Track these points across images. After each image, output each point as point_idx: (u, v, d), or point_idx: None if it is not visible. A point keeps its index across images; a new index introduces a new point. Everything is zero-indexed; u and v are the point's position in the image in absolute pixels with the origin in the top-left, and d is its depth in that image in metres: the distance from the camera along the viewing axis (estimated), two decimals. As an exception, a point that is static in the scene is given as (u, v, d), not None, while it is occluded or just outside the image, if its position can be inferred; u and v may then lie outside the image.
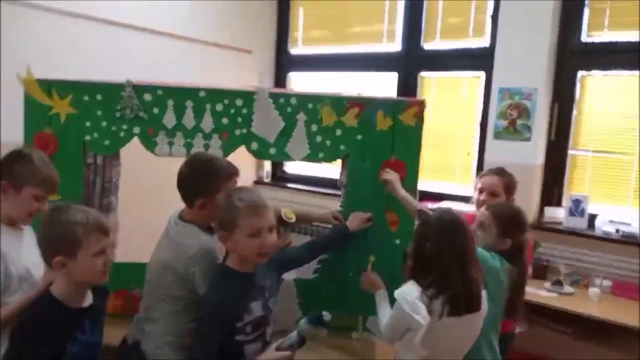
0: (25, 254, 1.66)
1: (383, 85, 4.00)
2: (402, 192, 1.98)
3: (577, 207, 3.19)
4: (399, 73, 3.91)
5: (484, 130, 3.49)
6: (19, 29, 2.73)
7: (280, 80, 4.45)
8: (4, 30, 2.61)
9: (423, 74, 3.84)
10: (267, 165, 4.46)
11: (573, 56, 3.24)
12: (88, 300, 1.47)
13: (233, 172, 1.79)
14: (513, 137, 3.33)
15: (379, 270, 2.04)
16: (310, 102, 2.05)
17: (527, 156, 3.31)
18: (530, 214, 3.34)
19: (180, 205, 1.81)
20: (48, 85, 2.16)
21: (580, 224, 3.17)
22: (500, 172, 2.27)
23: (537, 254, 3.22)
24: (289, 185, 4.35)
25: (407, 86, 3.87)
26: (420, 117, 2.03)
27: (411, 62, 3.86)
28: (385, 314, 1.78)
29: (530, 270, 3.13)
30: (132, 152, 2.21)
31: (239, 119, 2.08)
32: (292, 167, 4.47)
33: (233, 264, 1.58)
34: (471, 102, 3.68)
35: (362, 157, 2.05)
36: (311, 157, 2.09)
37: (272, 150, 2.09)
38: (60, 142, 2.17)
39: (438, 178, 3.83)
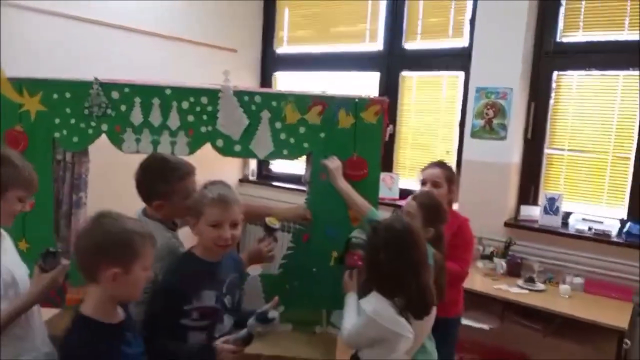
0: (7, 259, 1.58)
1: (366, 84, 4.03)
2: (342, 184, 2.02)
3: (551, 206, 3.22)
4: (381, 72, 3.95)
5: (462, 129, 3.52)
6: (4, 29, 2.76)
7: (265, 79, 4.50)
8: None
9: (404, 73, 3.87)
10: (253, 163, 4.49)
11: (549, 56, 3.27)
12: (120, 313, 1.39)
13: (187, 172, 1.82)
14: (489, 136, 3.37)
15: (341, 267, 2.07)
16: (274, 100, 2.08)
17: (503, 155, 3.35)
18: (507, 212, 3.37)
19: (119, 193, 1.91)
20: (19, 83, 2.18)
21: (555, 222, 3.20)
22: (441, 164, 2.46)
23: (512, 251, 3.25)
24: (275, 183, 4.39)
25: (389, 85, 3.90)
26: (381, 115, 2.05)
27: (393, 61, 3.89)
28: (351, 318, 1.80)
29: (504, 267, 3.18)
30: (101, 148, 2.24)
31: (205, 117, 2.11)
32: (278, 166, 4.51)
33: (197, 251, 1.67)
34: (451, 102, 3.71)
35: (325, 155, 2.08)
36: (275, 155, 2.12)
37: (237, 148, 2.12)
38: (30, 139, 2.19)
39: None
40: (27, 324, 1.57)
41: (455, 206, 2.84)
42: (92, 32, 3.24)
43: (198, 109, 2.11)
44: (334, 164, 2.03)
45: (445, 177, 2.37)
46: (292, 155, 2.13)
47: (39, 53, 2.91)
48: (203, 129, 2.12)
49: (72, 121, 2.18)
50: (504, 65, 3.29)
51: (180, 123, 2.12)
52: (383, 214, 2.07)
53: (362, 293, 1.75)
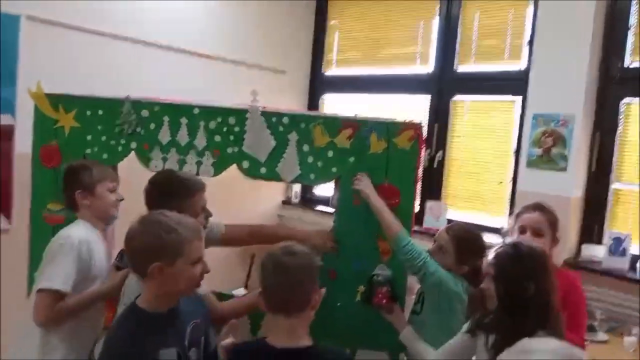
0: (105, 258, 1.89)
1: (415, 108, 3.86)
2: (378, 203, 1.84)
3: (617, 246, 2.88)
4: (431, 95, 3.76)
5: (518, 158, 3.26)
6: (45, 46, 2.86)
7: (313, 101, 4.43)
8: (25, 46, 2.73)
9: (456, 97, 3.66)
10: (297, 186, 4.40)
11: (615, 82, 2.97)
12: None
13: (197, 188, 1.78)
14: (547, 167, 3.08)
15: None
16: (303, 122, 1.97)
17: (563, 188, 3.04)
18: (566, 251, 3.05)
19: None
20: (56, 100, 2.22)
21: (621, 264, 2.85)
22: (540, 207, 1.99)
23: (571, 295, 2.92)
24: (317, 207, 4.27)
25: (440, 109, 3.71)
26: (415, 141, 1.89)
27: (444, 84, 3.70)
28: (427, 349, 1.70)
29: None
30: (131, 164, 2.22)
31: (231, 137, 2.03)
32: (321, 189, 4.39)
33: (144, 303, 1.39)
34: (505, 128, 3.46)
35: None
36: (302, 178, 2.00)
37: (263, 170, 2.02)
38: (64, 154, 2.21)
39: (468, 208, 3.61)
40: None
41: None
42: (143, 54, 3.30)
43: (225, 129, 2.04)
44: (363, 183, 1.88)
45: (549, 223, 1.94)
46: (320, 180, 2.01)
47: (81, 71, 2.96)
48: (229, 150, 2.04)
49: (103, 138, 2.18)
50: (565, 90, 3.01)
51: (206, 143, 2.07)
52: (422, 245, 1.92)
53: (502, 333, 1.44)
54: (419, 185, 3.68)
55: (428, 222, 3.59)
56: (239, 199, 3.92)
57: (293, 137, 1.98)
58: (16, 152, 2.72)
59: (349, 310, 1.96)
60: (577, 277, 2.00)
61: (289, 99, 4.19)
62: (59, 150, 2.21)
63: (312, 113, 2.04)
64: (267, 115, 1.99)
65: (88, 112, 2.19)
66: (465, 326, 1.64)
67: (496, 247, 1.54)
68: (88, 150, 2.19)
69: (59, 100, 2.21)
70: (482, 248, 1.86)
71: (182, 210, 1.66)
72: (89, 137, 2.19)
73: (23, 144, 2.41)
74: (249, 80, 3.86)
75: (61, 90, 2.24)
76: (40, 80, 2.25)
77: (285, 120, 1.98)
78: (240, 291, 2.21)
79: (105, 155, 2.18)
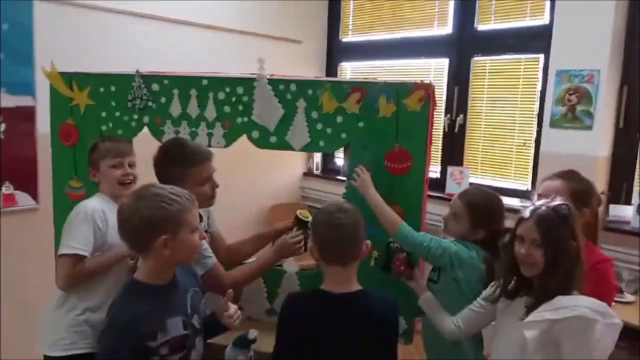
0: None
1: (435, 71, 3.76)
2: (375, 199, 1.80)
3: (647, 205, 2.77)
4: (450, 58, 3.65)
5: (541, 118, 3.15)
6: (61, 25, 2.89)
7: (331, 70, 4.37)
8: (39, 27, 2.77)
9: (476, 57, 3.55)
10: (317, 156, 4.40)
11: (644, 32, 2.81)
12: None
13: (204, 157, 1.80)
14: (572, 126, 2.97)
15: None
16: (310, 88, 1.94)
17: (589, 147, 2.94)
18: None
19: None
20: (69, 78, 2.25)
21: (651, 224, 2.75)
22: (567, 175, 1.80)
23: (598, 257, 2.85)
24: (339, 177, 4.26)
25: (460, 71, 3.61)
26: (426, 102, 1.84)
27: (463, 45, 3.59)
28: (444, 316, 1.71)
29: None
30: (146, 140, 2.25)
31: (240, 107, 2.03)
32: (342, 160, 4.37)
33: (143, 277, 1.41)
34: (529, 88, 3.34)
35: (364, 146, 1.91)
36: (312, 146, 1.98)
37: (273, 139, 2.01)
38: (81, 131, 2.25)
39: (491, 172, 3.54)
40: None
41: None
42: (160, 29, 3.31)
43: (234, 99, 2.03)
44: (360, 179, 1.85)
45: (571, 192, 1.71)
46: (329, 147, 1.98)
47: (94, 48, 3.01)
48: (239, 120, 2.04)
49: (117, 114, 2.20)
50: (590, 44, 2.87)
51: (216, 114, 2.06)
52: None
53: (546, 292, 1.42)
54: (433, 148, 3.72)
55: (450, 187, 3.54)
56: (261, 172, 3.96)
57: (301, 104, 1.95)
58: (38, 133, 2.80)
59: (363, 276, 1.96)
60: (608, 262, 1.75)
61: (306, 69, 4.15)
62: (76, 127, 2.26)
63: (320, 78, 1.98)
64: (274, 83, 1.97)
65: (101, 89, 2.21)
66: (486, 292, 1.61)
67: (529, 211, 1.46)
68: (103, 127, 2.23)
69: (72, 79, 2.24)
70: (498, 211, 1.81)
71: (186, 177, 1.72)
72: (103, 114, 2.22)
73: (45, 124, 2.47)
74: (266, 52, 3.76)
75: (76, 69, 2.27)
76: (55, 60, 2.28)
77: (292, 87, 1.96)
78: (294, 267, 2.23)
79: (120, 131, 2.20)
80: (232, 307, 1.56)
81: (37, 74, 2.66)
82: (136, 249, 1.42)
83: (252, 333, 1.49)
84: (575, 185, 1.76)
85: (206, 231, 1.93)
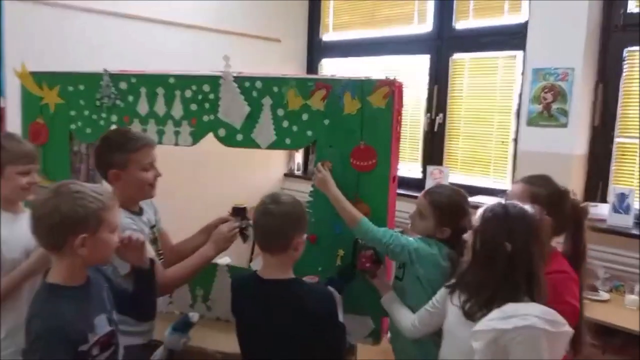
0: (24, 236, 1.60)
1: (415, 69, 3.77)
2: (336, 194, 1.82)
3: (622, 203, 2.79)
4: (430, 55, 3.66)
5: (519, 116, 3.16)
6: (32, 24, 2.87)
7: (312, 68, 4.37)
8: (9, 27, 2.74)
9: (455, 55, 3.55)
10: (298, 157, 4.39)
11: (618, 30, 2.82)
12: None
13: (145, 143, 1.76)
14: (548, 124, 2.99)
15: (348, 264, 1.90)
16: (276, 85, 1.93)
17: (564, 145, 2.95)
18: (569, 210, 2.97)
19: (166, 189, 1.86)
20: (39, 77, 2.24)
21: (625, 221, 2.77)
22: (533, 179, 1.71)
23: (573, 254, 2.85)
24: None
25: (439, 69, 3.62)
26: (390, 98, 1.83)
27: (443, 43, 3.59)
28: (406, 313, 1.71)
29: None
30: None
31: (207, 105, 2.02)
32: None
33: (60, 280, 1.32)
34: (508, 86, 3.35)
35: (330, 143, 1.90)
36: (278, 144, 1.97)
37: (239, 137, 2.00)
38: (50, 131, 2.25)
39: (471, 171, 3.54)
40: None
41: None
42: (137, 28, 3.29)
43: (200, 97, 2.03)
44: (321, 174, 1.85)
45: (532, 197, 1.60)
46: (296, 145, 1.98)
47: (65, 47, 2.97)
48: (205, 118, 2.03)
49: (86, 113, 2.20)
50: (565, 42, 2.89)
51: (183, 112, 2.06)
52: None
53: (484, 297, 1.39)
54: (413, 148, 3.71)
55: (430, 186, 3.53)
56: (242, 173, 3.94)
57: (267, 101, 1.95)
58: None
59: (330, 275, 1.96)
60: (562, 274, 1.58)
61: (287, 68, 4.14)
62: (46, 127, 2.25)
63: (285, 76, 1.97)
64: (240, 80, 1.96)
65: (70, 88, 2.20)
66: (440, 291, 1.60)
67: (490, 204, 1.48)
68: (72, 126, 2.22)
69: (42, 78, 2.24)
70: (463, 209, 1.80)
71: (128, 163, 1.70)
72: (72, 113, 2.21)
73: (13, 124, 2.45)
74: (246, 51, 3.82)
75: (47, 69, 2.26)
76: (25, 59, 2.28)
77: (258, 84, 1.95)
78: (226, 260, 2.20)
79: (88, 130, 2.20)
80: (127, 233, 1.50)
81: (7, 75, 2.64)
82: (50, 248, 1.33)
83: (194, 316, 1.47)
84: (537, 190, 1.65)
85: (153, 226, 1.89)
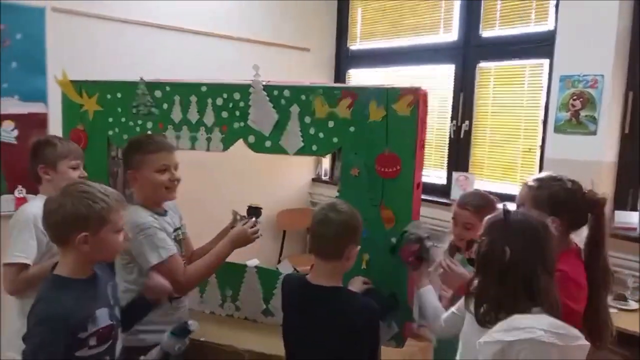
0: None
1: (441, 78, 3.79)
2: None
3: (652, 212, 2.74)
4: (456, 64, 3.67)
5: (546, 124, 3.14)
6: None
7: (339, 77, 4.43)
8: (51, 37, 2.90)
9: (481, 64, 3.56)
10: (325, 162, 4.45)
11: (649, 37, 2.79)
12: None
13: (163, 147, 1.85)
14: (576, 131, 2.96)
15: (374, 270, 1.94)
16: (303, 94, 2.00)
17: (593, 152, 2.92)
18: (598, 219, 2.93)
19: (196, 194, 1.99)
20: (79, 86, 2.36)
21: (656, 230, 2.71)
22: (534, 182, 1.70)
23: (602, 263, 2.82)
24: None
25: (465, 78, 3.62)
26: (415, 106, 1.87)
27: (469, 51, 3.60)
28: (437, 307, 1.74)
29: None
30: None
31: (237, 113, 2.09)
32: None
33: (66, 272, 1.41)
34: (535, 94, 3.34)
35: (355, 150, 1.95)
36: (305, 151, 2.03)
37: (268, 144, 2.07)
38: (90, 137, 2.36)
39: (496, 178, 3.53)
40: None
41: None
42: (164, 37, 3.42)
43: (231, 105, 2.11)
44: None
45: (533, 200, 1.63)
46: (322, 151, 2.03)
47: (104, 57, 3.12)
48: (236, 125, 2.11)
49: (123, 120, 2.30)
50: (594, 49, 2.87)
51: (215, 119, 2.14)
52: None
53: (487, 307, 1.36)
54: (439, 155, 3.72)
55: (455, 193, 3.54)
56: (270, 178, 4.02)
57: (295, 109, 2.01)
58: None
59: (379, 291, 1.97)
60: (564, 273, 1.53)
61: (315, 77, 4.21)
62: (85, 133, 2.36)
63: (313, 84, 2.04)
64: (269, 88, 2.03)
65: (108, 96, 2.31)
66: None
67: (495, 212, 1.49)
68: (110, 132, 2.32)
69: (82, 86, 2.35)
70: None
71: (143, 163, 1.79)
72: (110, 120, 2.32)
73: (56, 130, 2.58)
74: (275, 60, 3.91)
75: (87, 77, 2.37)
76: (66, 68, 2.40)
77: (286, 93, 2.02)
78: (255, 261, 2.27)
79: (125, 136, 2.29)
80: (155, 278, 1.61)
81: (49, 82, 2.79)
82: (56, 242, 1.43)
83: (193, 325, 1.51)
84: (538, 193, 1.63)
85: (178, 228, 1.95)
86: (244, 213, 2.03)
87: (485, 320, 1.34)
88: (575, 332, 1.26)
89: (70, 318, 1.33)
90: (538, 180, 1.69)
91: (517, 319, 1.28)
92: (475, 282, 1.42)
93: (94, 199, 1.37)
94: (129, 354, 1.58)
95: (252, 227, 1.92)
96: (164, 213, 1.89)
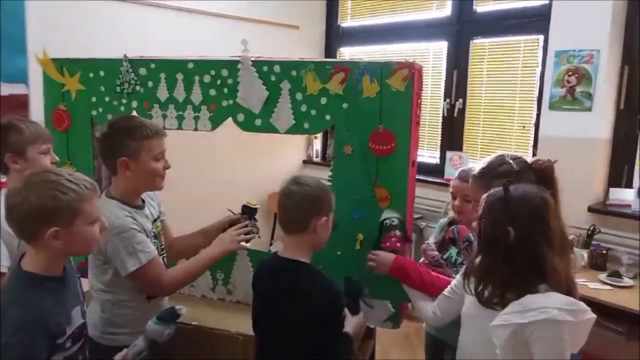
0: None
1: (434, 54, 3.72)
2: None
3: (647, 188, 2.72)
4: (449, 41, 3.60)
5: (541, 100, 3.10)
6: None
7: (330, 55, 4.34)
8: (31, 15, 2.77)
9: (475, 40, 3.49)
10: (317, 143, 4.39)
11: (645, 10, 2.74)
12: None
13: (157, 132, 1.69)
14: (571, 107, 2.93)
15: (368, 249, 1.89)
16: (294, 69, 1.92)
17: (588, 129, 2.89)
18: (592, 196, 2.92)
19: (181, 177, 1.84)
20: (60, 64, 2.26)
21: (651, 207, 2.70)
22: (478, 173, 1.68)
23: (596, 240, 2.81)
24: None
25: (459, 54, 3.56)
26: (410, 81, 1.80)
27: (462, 27, 3.53)
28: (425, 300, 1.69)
29: (585, 258, 2.77)
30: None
31: (225, 90, 2.01)
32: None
33: (38, 269, 1.25)
34: (529, 70, 3.29)
35: (348, 127, 1.89)
36: (297, 129, 1.96)
37: (258, 122, 2.00)
38: (72, 117, 2.27)
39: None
40: None
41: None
42: (148, 14, 3.30)
43: (219, 82, 2.02)
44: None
45: (486, 189, 1.55)
46: (314, 129, 1.96)
47: (86, 35, 3.00)
48: (224, 103, 2.03)
49: (107, 99, 2.21)
50: (590, 24, 2.82)
51: (202, 97, 2.06)
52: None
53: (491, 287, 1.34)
54: (432, 133, 3.67)
55: (449, 173, 3.50)
56: (260, 159, 3.96)
57: (285, 85, 1.93)
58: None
59: (350, 259, 1.96)
60: None
61: (304, 55, 4.08)
62: (68, 113, 2.27)
63: (304, 59, 1.96)
64: (258, 64, 1.96)
65: (91, 74, 2.22)
66: (457, 277, 1.58)
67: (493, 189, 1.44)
68: (94, 112, 2.23)
69: (63, 64, 2.25)
70: None
71: (141, 151, 1.64)
72: (93, 99, 2.22)
73: (37, 112, 2.49)
74: (264, 38, 3.81)
75: (68, 56, 2.27)
76: (48, 47, 2.30)
77: (276, 68, 1.94)
78: (278, 245, 2.20)
79: (109, 116, 2.20)
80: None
81: (30, 62, 2.68)
82: (23, 238, 1.27)
83: (182, 308, 1.43)
84: (484, 181, 1.58)
85: (156, 219, 1.82)
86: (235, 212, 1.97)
87: (492, 302, 1.31)
88: (584, 306, 1.26)
89: (50, 321, 1.20)
90: (482, 169, 1.64)
91: (529, 299, 1.25)
92: (477, 261, 1.38)
93: (61, 189, 1.21)
94: (103, 354, 1.49)
95: (238, 230, 1.82)
96: (142, 205, 1.75)
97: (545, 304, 1.23)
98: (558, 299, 1.25)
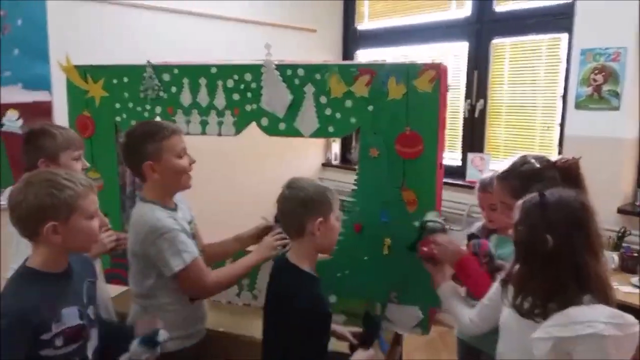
0: None
1: (454, 55, 3.67)
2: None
3: (678, 188, 2.65)
4: (469, 40, 3.56)
5: (566, 100, 3.04)
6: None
7: (347, 58, 4.32)
8: (53, 23, 2.78)
9: (496, 40, 3.44)
10: (335, 147, 4.37)
11: (674, 5, 2.67)
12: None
13: (173, 130, 1.70)
14: (598, 107, 2.86)
15: (396, 255, 1.87)
16: (318, 72, 1.90)
17: (616, 128, 2.83)
18: (621, 197, 2.85)
19: (206, 180, 1.86)
20: (84, 71, 2.27)
21: (683, 208, 2.63)
22: (502, 175, 1.66)
23: (626, 243, 2.74)
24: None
25: (479, 55, 3.51)
26: (437, 82, 1.78)
27: (482, 27, 3.48)
28: (464, 309, 1.62)
29: (616, 261, 2.70)
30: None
31: (249, 94, 2.01)
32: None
33: (36, 263, 1.33)
34: (553, 69, 3.23)
35: (374, 130, 1.87)
36: (321, 132, 1.95)
37: (282, 126, 1.99)
38: (97, 123, 2.28)
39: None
40: None
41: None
42: (168, 20, 3.30)
43: (242, 86, 2.02)
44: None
45: (511, 193, 1.57)
46: (339, 132, 1.94)
47: (109, 41, 3.01)
48: (248, 108, 2.02)
49: (130, 105, 2.22)
50: (616, 21, 2.75)
51: (226, 102, 2.05)
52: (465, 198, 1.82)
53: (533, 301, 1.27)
54: (453, 135, 3.63)
55: (471, 175, 3.46)
56: (280, 163, 3.94)
57: (309, 89, 1.92)
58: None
59: (377, 264, 1.93)
60: None
61: (322, 58, 4.10)
62: (92, 119, 2.28)
63: (328, 62, 1.95)
64: (282, 68, 1.94)
65: (114, 81, 2.23)
66: (494, 284, 1.51)
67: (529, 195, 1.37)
68: (118, 118, 2.24)
69: (86, 71, 2.26)
70: None
71: (162, 151, 1.65)
72: (117, 105, 2.23)
73: (61, 118, 2.51)
74: (281, 42, 3.75)
75: (91, 62, 2.28)
76: (70, 53, 2.31)
77: (300, 72, 1.93)
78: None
79: (133, 122, 2.21)
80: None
81: (53, 69, 2.70)
82: (25, 236, 1.34)
83: (163, 335, 1.43)
84: (510, 183, 1.59)
85: (190, 221, 1.82)
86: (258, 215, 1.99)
87: (533, 313, 1.25)
88: (631, 318, 1.19)
89: (32, 315, 1.25)
90: (505, 171, 1.62)
91: (574, 311, 1.19)
92: (515, 270, 1.33)
93: (58, 187, 1.29)
94: None
95: (276, 236, 1.81)
96: (175, 208, 1.76)
97: (591, 317, 1.16)
98: (604, 312, 1.18)
